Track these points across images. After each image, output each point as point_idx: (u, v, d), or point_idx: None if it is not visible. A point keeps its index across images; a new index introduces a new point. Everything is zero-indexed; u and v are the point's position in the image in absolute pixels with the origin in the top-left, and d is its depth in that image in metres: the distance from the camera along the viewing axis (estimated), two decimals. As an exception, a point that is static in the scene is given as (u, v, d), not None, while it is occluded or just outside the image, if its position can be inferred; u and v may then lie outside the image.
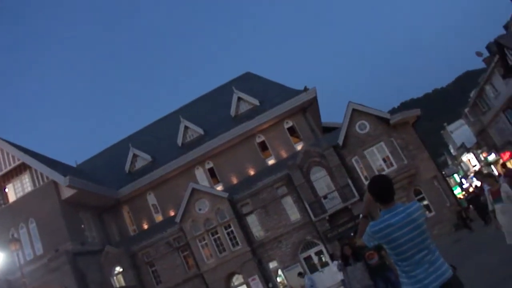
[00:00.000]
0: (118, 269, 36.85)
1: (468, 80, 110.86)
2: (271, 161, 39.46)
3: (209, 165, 40.79)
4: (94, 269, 35.68)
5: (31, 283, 31.85)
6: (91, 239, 38.35)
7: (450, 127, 73.06)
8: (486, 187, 10.93)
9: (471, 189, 36.57)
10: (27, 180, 38.22)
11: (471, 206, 26.76)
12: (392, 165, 32.60)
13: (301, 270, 31.91)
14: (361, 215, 5.05)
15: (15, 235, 35.18)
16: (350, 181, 33.23)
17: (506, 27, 38.78)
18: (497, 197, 9.87)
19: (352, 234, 32.45)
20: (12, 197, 38.54)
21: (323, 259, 34.70)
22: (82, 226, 38.17)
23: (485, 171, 45.94)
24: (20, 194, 38.16)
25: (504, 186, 9.96)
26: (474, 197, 26.24)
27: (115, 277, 36.82)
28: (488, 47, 44.05)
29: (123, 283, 36.32)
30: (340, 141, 33.60)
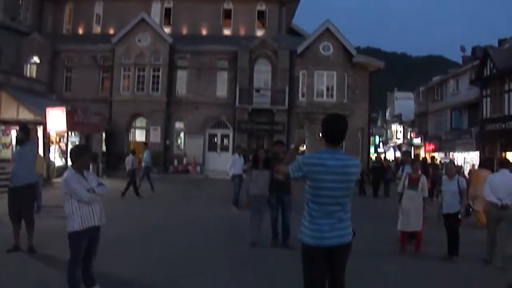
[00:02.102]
0: (36, 59, 35.60)
1: (437, 63, 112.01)
2: (227, 32, 38.38)
3: (169, 4, 39.03)
4: (12, 49, 34.33)
5: None
6: (23, 19, 36.58)
7: (398, 94, 73.71)
8: (407, 170, 11.63)
9: (382, 157, 37.07)
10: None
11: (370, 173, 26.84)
12: (331, 96, 32.66)
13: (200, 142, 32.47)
14: (292, 146, 5.08)
15: None
16: (287, 89, 33.12)
17: (500, 41, 38.45)
18: (413, 184, 10.49)
19: (276, 142, 32.90)
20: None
21: (225, 143, 35.18)
22: (20, 2, 36.26)
23: (404, 149, 47.03)
24: None
25: (424, 179, 10.60)
26: (379, 167, 26.15)
27: (29, 65, 35.66)
28: (473, 49, 43.87)
29: (34, 75, 35.23)
30: (299, 50, 33.09)
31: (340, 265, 4.41)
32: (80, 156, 5.88)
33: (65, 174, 5.79)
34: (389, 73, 69.95)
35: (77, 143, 25.62)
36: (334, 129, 4.42)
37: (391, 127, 75.07)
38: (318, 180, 4.27)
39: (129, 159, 19.97)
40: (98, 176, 8.22)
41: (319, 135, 11.59)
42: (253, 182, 10.63)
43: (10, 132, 24.04)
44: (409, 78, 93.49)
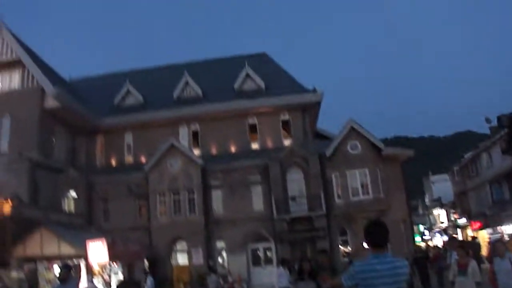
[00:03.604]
0: (72, 193, 36.79)
1: (466, 139, 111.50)
2: (255, 146, 39.58)
3: (195, 127, 40.71)
4: (49, 186, 35.47)
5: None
6: (57, 156, 38.08)
7: (433, 177, 73.54)
8: (454, 257, 11.32)
9: (431, 244, 36.55)
10: (17, 76, 37.75)
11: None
12: (368, 193, 32.89)
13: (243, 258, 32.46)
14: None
15: (-14, 124, 35.09)
16: (322, 194, 33.44)
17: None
18: (462, 270, 10.14)
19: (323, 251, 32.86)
20: (-4, 87, 38.12)
21: (268, 256, 35.08)
22: (53, 140, 37.95)
23: (453, 235, 46.26)
24: (6, 88, 37.80)
25: (474, 263, 10.19)
26: (421, 257, 25.16)
27: (66, 200, 36.79)
28: (499, 119, 44.04)
29: (72, 209, 36.33)
30: (328, 153, 33.72)
31: None
32: (125, 285, 6.16)
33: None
34: (420, 158, 70.11)
35: (120, 274, 26.09)
36: (376, 235, 4.75)
37: (432, 212, 74.22)
38: (370, 285, 4.53)
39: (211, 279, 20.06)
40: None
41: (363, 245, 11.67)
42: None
43: (52, 267, 24.69)
44: (441, 159, 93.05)
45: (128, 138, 41.53)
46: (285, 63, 47.38)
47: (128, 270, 27.75)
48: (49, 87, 35.75)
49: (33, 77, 36.76)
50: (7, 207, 26.95)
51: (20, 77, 37.56)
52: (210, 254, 34.69)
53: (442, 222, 68.09)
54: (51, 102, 36.05)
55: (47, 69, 40.15)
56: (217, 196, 36.00)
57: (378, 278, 4.52)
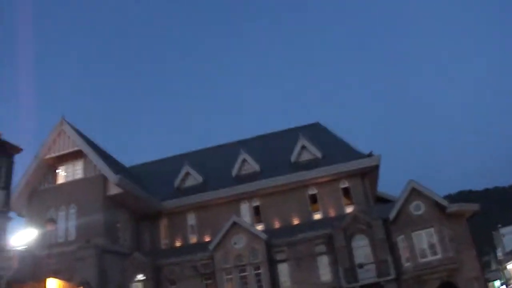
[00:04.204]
0: (140, 277, 38.34)
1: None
2: (317, 216, 40.40)
3: (256, 203, 42.15)
4: (117, 271, 37.31)
5: (55, 265, 34.00)
6: (122, 241, 40.17)
7: (503, 230, 72.35)
8: None
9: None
10: (79, 167, 40.68)
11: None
12: (436, 253, 32.90)
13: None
14: None
15: (54, 216, 37.77)
16: (390, 258, 33.82)
17: None
18: None
19: None
20: (61, 180, 41.18)
21: None
22: (118, 225, 40.19)
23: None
24: (70, 178, 40.72)
25: None
26: None
27: (135, 284, 38.53)
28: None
29: (140, 292, 38.04)
30: (391, 216, 34.30)
31: None
32: None
33: None
34: (488, 211, 69.46)
35: None
36: None
37: (506, 267, 72.48)
38: None
39: None
40: None
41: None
42: None
43: None
44: (506, 209, 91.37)
45: (191, 219, 43.28)
46: (338, 130, 48.95)
47: None
48: (110, 175, 38.25)
49: (95, 166, 39.62)
50: (78, 293, 29.02)
51: (82, 166, 40.52)
52: None
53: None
54: (113, 189, 38.48)
55: (107, 157, 42.98)
56: (283, 270, 36.58)
57: None
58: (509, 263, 69.98)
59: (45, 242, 35.02)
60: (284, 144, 46.26)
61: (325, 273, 35.88)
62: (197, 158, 49.70)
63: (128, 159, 52.87)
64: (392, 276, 33.40)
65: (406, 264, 33.65)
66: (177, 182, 46.17)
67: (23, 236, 27.34)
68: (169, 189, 45.57)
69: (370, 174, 40.83)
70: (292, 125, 51.88)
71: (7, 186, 22.76)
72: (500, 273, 76.09)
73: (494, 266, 79.68)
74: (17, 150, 23.41)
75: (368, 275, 34.15)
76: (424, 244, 33.59)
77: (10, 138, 25.17)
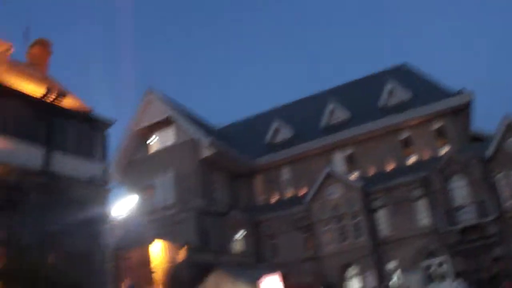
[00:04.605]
0: (239, 234, 40.31)
1: None
2: (411, 160, 40.15)
3: (349, 151, 42.41)
4: (217, 229, 39.04)
5: (158, 229, 36.34)
6: (220, 201, 41.84)
7: None
8: None
9: None
10: (171, 133, 42.65)
11: None
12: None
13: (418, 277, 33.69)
14: None
15: (151, 183, 40.19)
16: (489, 198, 33.50)
17: None
18: None
19: None
20: (155, 147, 43.40)
21: (442, 271, 35.11)
22: (214, 186, 41.81)
23: None
24: (163, 145, 42.83)
25: None
26: None
27: (234, 241, 40.45)
28: None
29: (241, 249, 39.86)
30: (488, 154, 33.90)
31: None
32: None
33: None
34: None
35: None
36: None
37: None
38: None
39: None
40: None
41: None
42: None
43: None
44: None
45: (285, 173, 44.36)
46: (427, 69, 48.03)
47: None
48: (202, 138, 39.80)
49: (186, 131, 41.44)
50: (181, 254, 31.12)
51: (174, 133, 42.37)
52: (382, 276, 35.78)
53: None
54: (206, 152, 39.95)
55: (197, 120, 44.60)
56: (380, 217, 37.24)
57: None
58: None
59: (145, 209, 37.07)
60: (371, 89, 45.94)
61: (423, 217, 36.12)
62: (285, 112, 50.38)
63: (217, 121, 54.50)
64: (493, 216, 33.04)
65: (507, 203, 33.23)
66: (267, 138, 47.21)
67: (124, 205, 29.10)
68: (260, 145, 46.80)
69: (463, 112, 39.80)
70: (376, 70, 51.11)
71: (104, 160, 24.38)
72: None
73: None
74: (109, 124, 24.90)
75: (467, 216, 34.02)
76: (526, 181, 32.75)
77: (100, 108, 26.71)
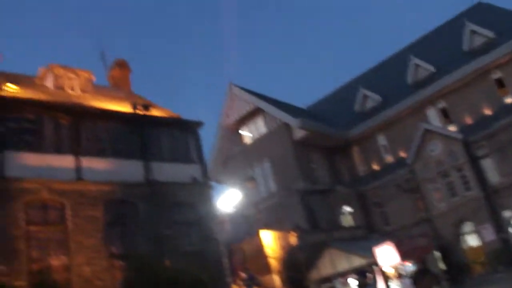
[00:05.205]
0: (347, 208, 40.22)
1: None
2: (509, 99, 37.90)
3: (441, 104, 40.89)
4: (323, 208, 39.20)
5: (265, 218, 36.94)
6: (321, 179, 41.89)
7: None
8: None
9: None
10: (260, 123, 43.16)
11: None
12: None
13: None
14: None
15: (252, 175, 40.80)
16: None
17: None
18: None
19: None
20: (248, 139, 44.09)
21: None
22: (313, 166, 41.88)
23: None
24: (255, 136, 43.42)
25: None
26: None
27: (343, 216, 40.46)
28: None
29: (351, 222, 39.77)
30: None
31: None
32: (421, 279, 8.26)
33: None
34: None
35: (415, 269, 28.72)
36: None
37: None
38: None
39: None
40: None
41: None
42: None
43: (347, 282, 28.75)
44: None
45: (381, 139, 43.64)
46: (503, 3, 45.52)
47: (422, 265, 30.09)
48: (292, 121, 39.97)
49: (274, 117, 41.62)
50: (292, 238, 31.56)
51: (263, 122, 42.82)
52: (500, 226, 34.24)
53: None
54: (298, 133, 40.15)
55: (283, 104, 44.80)
56: (487, 165, 35.75)
57: None
58: None
59: (250, 201, 37.80)
60: (452, 36, 44.00)
61: (533, 159, 34.12)
62: (368, 78, 49.59)
63: (302, 102, 54.47)
64: None
65: None
66: (357, 107, 46.58)
67: (229, 201, 29.85)
68: (351, 116, 46.13)
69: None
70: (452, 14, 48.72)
71: (201, 160, 25.09)
72: None
73: None
74: (198, 125, 25.63)
75: None
76: None
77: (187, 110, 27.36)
